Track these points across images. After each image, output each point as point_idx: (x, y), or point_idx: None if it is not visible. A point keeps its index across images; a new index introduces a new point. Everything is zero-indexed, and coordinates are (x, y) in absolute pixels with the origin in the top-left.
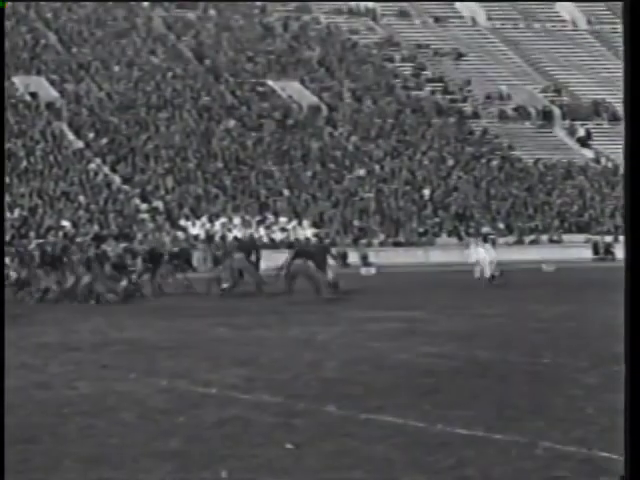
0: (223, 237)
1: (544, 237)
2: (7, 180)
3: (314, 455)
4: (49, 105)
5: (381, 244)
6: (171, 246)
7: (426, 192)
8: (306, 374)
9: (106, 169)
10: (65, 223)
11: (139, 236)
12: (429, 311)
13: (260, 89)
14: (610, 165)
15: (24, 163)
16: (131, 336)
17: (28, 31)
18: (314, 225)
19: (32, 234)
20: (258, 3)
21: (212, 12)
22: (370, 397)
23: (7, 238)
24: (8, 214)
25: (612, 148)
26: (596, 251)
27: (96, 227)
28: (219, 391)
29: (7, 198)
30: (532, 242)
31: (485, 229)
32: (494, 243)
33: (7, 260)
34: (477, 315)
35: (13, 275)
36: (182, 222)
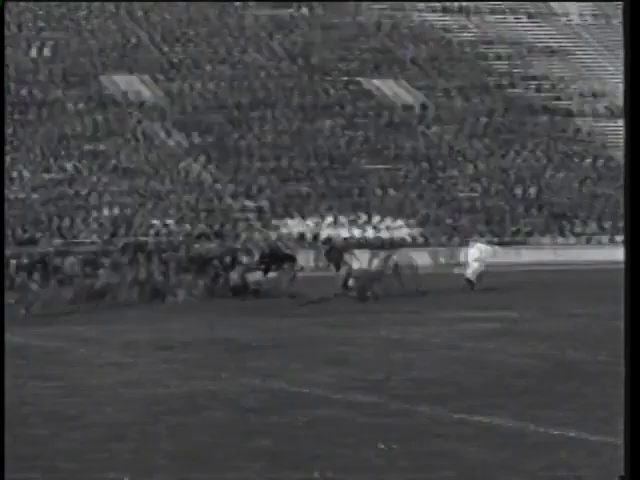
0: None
1: None
2: (98, 179)
3: (406, 455)
4: (141, 104)
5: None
6: (265, 245)
7: (520, 191)
8: (398, 374)
9: (200, 168)
10: (159, 220)
11: (234, 235)
12: (521, 311)
13: (354, 88)
14: None
15: (114, 162)
16: (223, 335)
17: (118, 30)
18: (408, 225)
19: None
20: (352, 2)
21: (305, 11)
22: (462, 397)
23: (97, 237)
24: (97, 213)
25: None
26: None
27: (188, 226)
28: (311, 391)
29: (100, 198)
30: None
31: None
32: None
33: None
34: (568, 315)
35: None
36: (276, 221)
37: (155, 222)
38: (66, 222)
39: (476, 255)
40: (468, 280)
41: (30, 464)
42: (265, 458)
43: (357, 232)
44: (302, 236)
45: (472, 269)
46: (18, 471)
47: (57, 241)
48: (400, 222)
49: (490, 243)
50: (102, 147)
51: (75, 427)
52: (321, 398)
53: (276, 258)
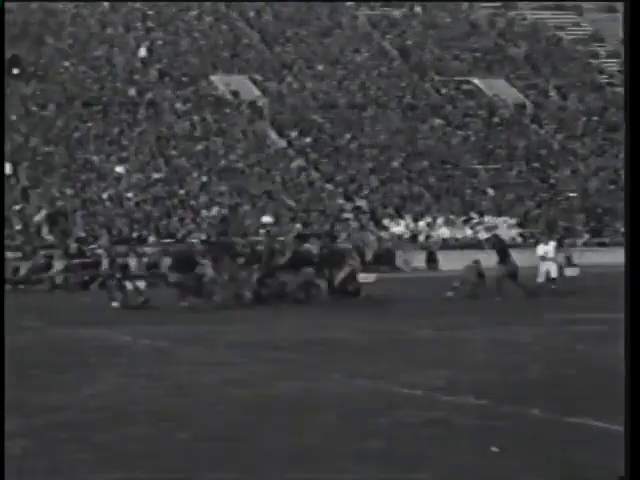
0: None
1: None
2: (206, 178)
3: (518, 459)
4: (251, 104)
5: (585, 244)
6: (377, 245)
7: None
8: (510, 376)
9: (309, 168)
10: (267, 219)
11: (343, 235)
12: None
13: (465, 87)
14: None
15: (224, 162)
16: (332, 336)
17: (229, 30)
18: (519, 225)
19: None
20: (464, 2)
21: (418, 9)
22: (575, 401)
23: (204, 237)
24: (205, 212)
25: None
26: None
27: (298, 226)
28: (422, 392)
29: (205, 197)
30: None
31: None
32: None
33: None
34: None
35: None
36: (386, 222)
37: (266, 221)
38: (174, 221)
39: (546, 254)
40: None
41: (139, 463)
42: (375, 460)
43: (469, 232)
44: (414, 237)
45: (542, 270)
46: (127, 470)
47: (165, 240)
48: (511, 221)
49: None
50: (212, 147)
51: (184, 426)
52: (432, 400)
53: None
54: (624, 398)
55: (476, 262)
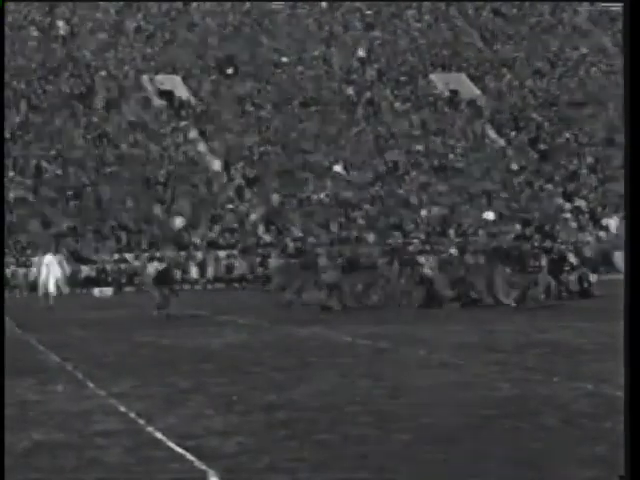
0: None
1: None
2: (425, 178)
3: None
4: (470, 102)
5: None
6: (596, 245)
7: None
8: None
9: (529, 167)
10: (489, 215)
11: (562, 236)
12: None
13: None
14: None
15: (443, 161)
16: (553, 338)
17: (449, 28)
18: None
19: (451, 232)
20: None
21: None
22: None
23: (423, 236)
24: (424, 212)
25: None
26: None
27: (518, 226)
28: None
29: (428, 197)
30: None
31: None
32: None
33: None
34: None
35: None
36: (604, 221)
37: (487, 217)
38: (393, 220)
39: None
40: None
41: (359, 463)
42: (599, 465)
43: None
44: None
45: None
46: (347, 471)
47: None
48: None
49: None
50: (431, 146)
51: (405, 428)
52: None
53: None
54: (624, 398)
55: None
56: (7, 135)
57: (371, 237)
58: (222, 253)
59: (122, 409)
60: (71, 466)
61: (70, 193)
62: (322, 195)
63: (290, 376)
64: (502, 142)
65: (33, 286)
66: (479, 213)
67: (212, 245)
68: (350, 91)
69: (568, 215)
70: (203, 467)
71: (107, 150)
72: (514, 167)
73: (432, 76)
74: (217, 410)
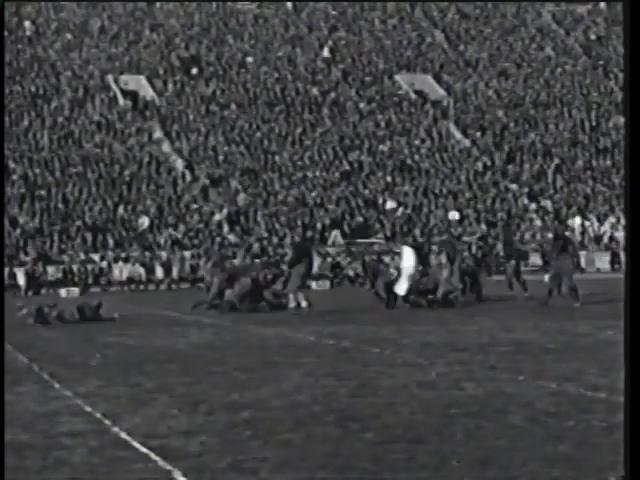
0: (611, 237)
1: None
2: (392, 178)
3: None
4: (435, 103)
5: None
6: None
7: None
8: None
9: (494, 168)
10: (454, 216)
11: (527, 236)
12: None
13: None
14: None
15: (408, 161)
16: (518, 337)
17: (414, 29)
18: None
19: (417, 232)
20: None
21: (603, 5)
22: None
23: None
24: (389, 205)
25: None
26: None
27: (483, 226)
28: (608, 396)
29: (391, 197)
30: None
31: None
32: None
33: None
34: None
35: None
36: (570, 222)
37: (452, 217)
38: (357, 221)
39: None
40: None
41: (323, 463)
42: (563, 464)
43: None
44: (599, 238)
45: None
46: (311, 471)
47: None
48: None
49: None
50: (396, 147)
51: (369, 427)
52: (619, 404)
53: None
54: (624, 398)
55: None
56: None
57: (335, 237)
58: (187, 253)
59: (88, 409)
60: (37, 467)
61: (36, 193)
62: (288, 195)
63: (254, 376)
64: (467, 142)
65: None
66: (444, 213)
67: (177, 245)
68: (315, 91)
69: (533, 215)
70: (167, 467)
71: (72, 150)
72: (479, 167)
73: (397, 77)
74: (182, 410)
